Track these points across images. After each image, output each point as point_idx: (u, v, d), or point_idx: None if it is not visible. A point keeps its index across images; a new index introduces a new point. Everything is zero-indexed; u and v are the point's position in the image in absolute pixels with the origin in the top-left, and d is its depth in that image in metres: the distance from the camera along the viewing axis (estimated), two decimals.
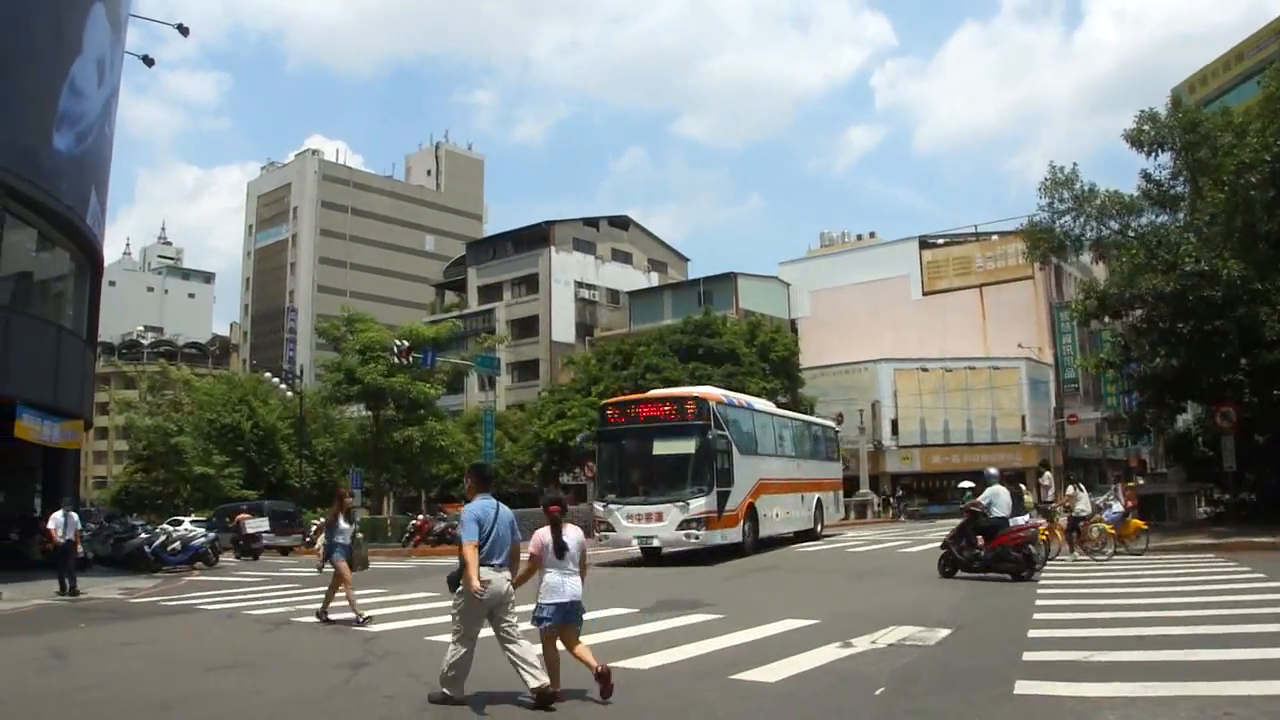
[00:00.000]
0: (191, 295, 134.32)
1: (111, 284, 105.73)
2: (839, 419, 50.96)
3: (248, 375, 71.08)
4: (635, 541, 23.23)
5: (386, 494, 56.96)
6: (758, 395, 47.29)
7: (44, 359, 24.66)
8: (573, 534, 8.57)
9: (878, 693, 8.35)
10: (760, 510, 25.04)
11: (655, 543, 23.01)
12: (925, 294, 63.21)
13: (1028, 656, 9.67)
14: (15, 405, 22.72)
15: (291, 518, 41.92)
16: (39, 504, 28.63)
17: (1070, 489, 22.31)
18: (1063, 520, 21.63)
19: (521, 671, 8.08)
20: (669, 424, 23.12)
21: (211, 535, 28.90)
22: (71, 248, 28.08)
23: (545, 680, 8.05)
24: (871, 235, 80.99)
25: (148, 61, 33.16)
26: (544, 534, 8.48)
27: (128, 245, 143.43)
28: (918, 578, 18.02)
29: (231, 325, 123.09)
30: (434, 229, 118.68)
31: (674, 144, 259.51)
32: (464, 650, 8.28)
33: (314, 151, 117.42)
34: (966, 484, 19.51)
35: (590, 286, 73.44)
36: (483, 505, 8.51)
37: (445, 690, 8.28)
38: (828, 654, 10.15)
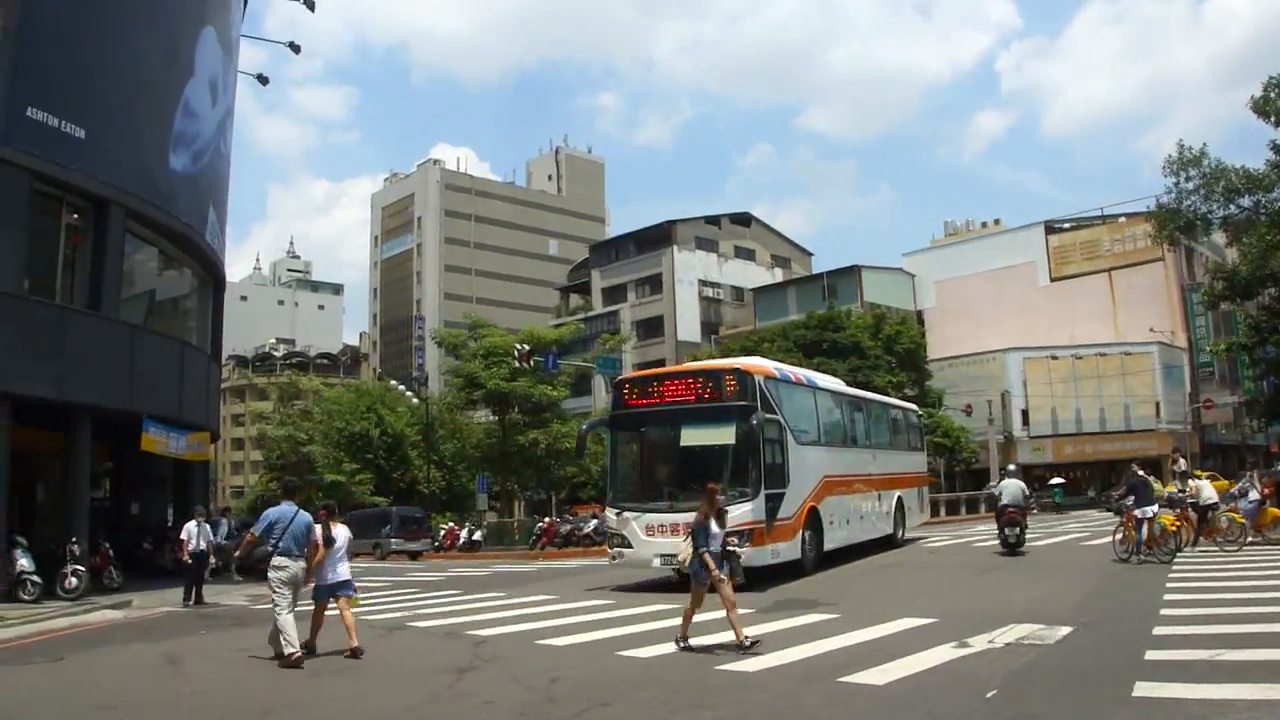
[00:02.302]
0: (321, 307, 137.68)
1: (243, 299, 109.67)
2: (968, 410, 50.00)
3: (375, 383, 72.51)
4: (658, 561, 17.41)
5: (517, 497, 57.56)
6: (884, 390, 46.52)
7: (169, 374, 25.32)
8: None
9: (989, 695, 8.06)
10: (825, 516, 20.16)
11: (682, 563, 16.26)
12: (1052, 280, 61.44)
13: (1151, 655, 9.25)
14: (142, 419, 23.37)
15: (420, 523, 42.65)
16: (171, 514, 29.55)
17: (1192, 481, 21.35)
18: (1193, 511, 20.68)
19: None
20: (701, 406, 18.15)
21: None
22: (193, 265, 28.89)
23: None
24: (996, 223, 79.13)
25: (262, 80, 34.17)
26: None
27: (257, 261, 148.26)
28: (1045, 572, 17.60)
29: (361, 335, 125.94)
30: (557, 233, 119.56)
31: (800, 138, 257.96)
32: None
33: (435, 161, 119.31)
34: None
35: (714, 285, 73.17)
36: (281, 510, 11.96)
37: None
38: (942, 654, 9.91)
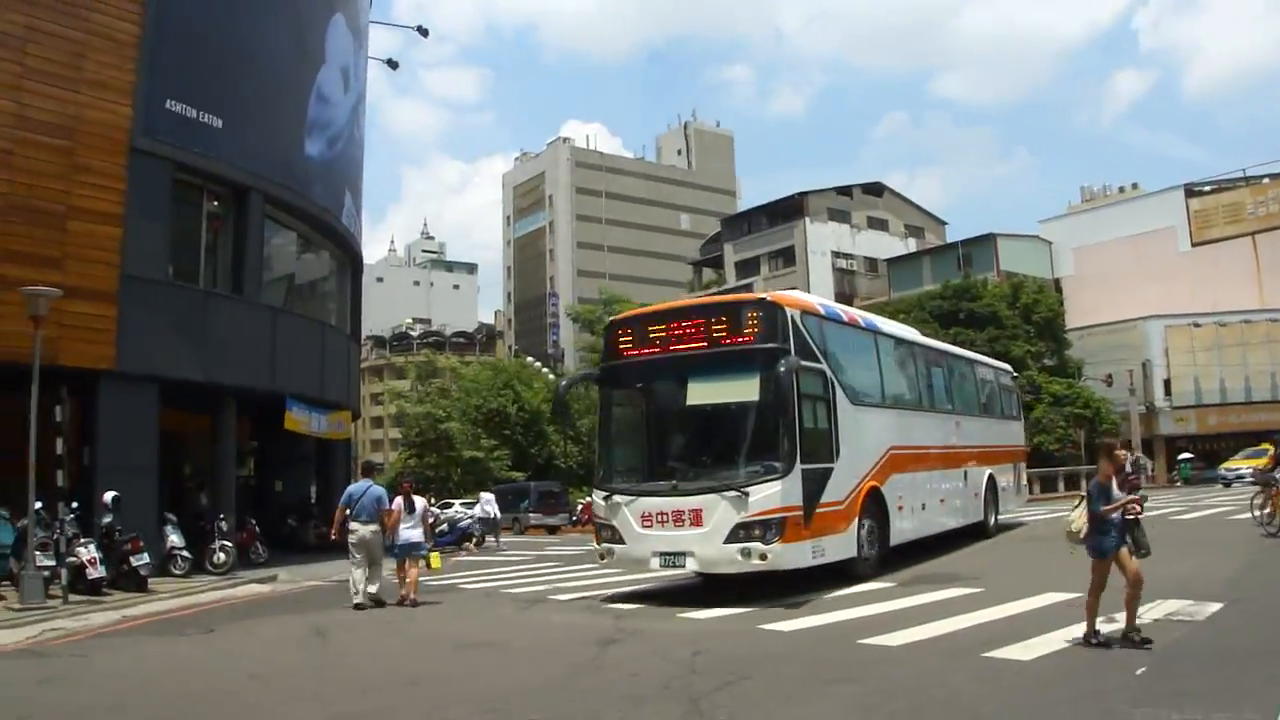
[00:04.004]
0: (456, 286, 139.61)
1: (379, 280, 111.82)
2: (1108, 380, 48.45)
3: (511, 360, 73.29)
4: (656, 562, 13.31)
5: None
6: (1021, 359, 45.74)
7: (310, 355, 26.00)
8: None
9: (1138, 672, 7.78)
10: (891, 499, 15.62)
11: (689, 565, 13.14)
12: (1194, 245, 58.42)
13: None
14: (285, 399, 24.08)
15: (558, 497, 43.19)
16: (314, 492, 30.42)
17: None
18: None
19: None
20: (714, 351, 13.51)
21: (479, 516, 29.94)
22: (331, 247, 29.62)
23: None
24: (1134, 187, 76.27)
25: (392, 65, 34.71)
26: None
27: (393, 242, 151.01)
28: (1190, 547, 16.75)
29: (496, 313, 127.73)
30: (688, 207, 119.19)
31: (934, 105, 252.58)
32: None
33: (565, 139, 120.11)
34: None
35: (847, 256, 72.08)
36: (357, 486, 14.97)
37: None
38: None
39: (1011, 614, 10.92)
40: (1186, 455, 46.67)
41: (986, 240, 61.42)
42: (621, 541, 13.65)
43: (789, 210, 72.20)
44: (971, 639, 9.53)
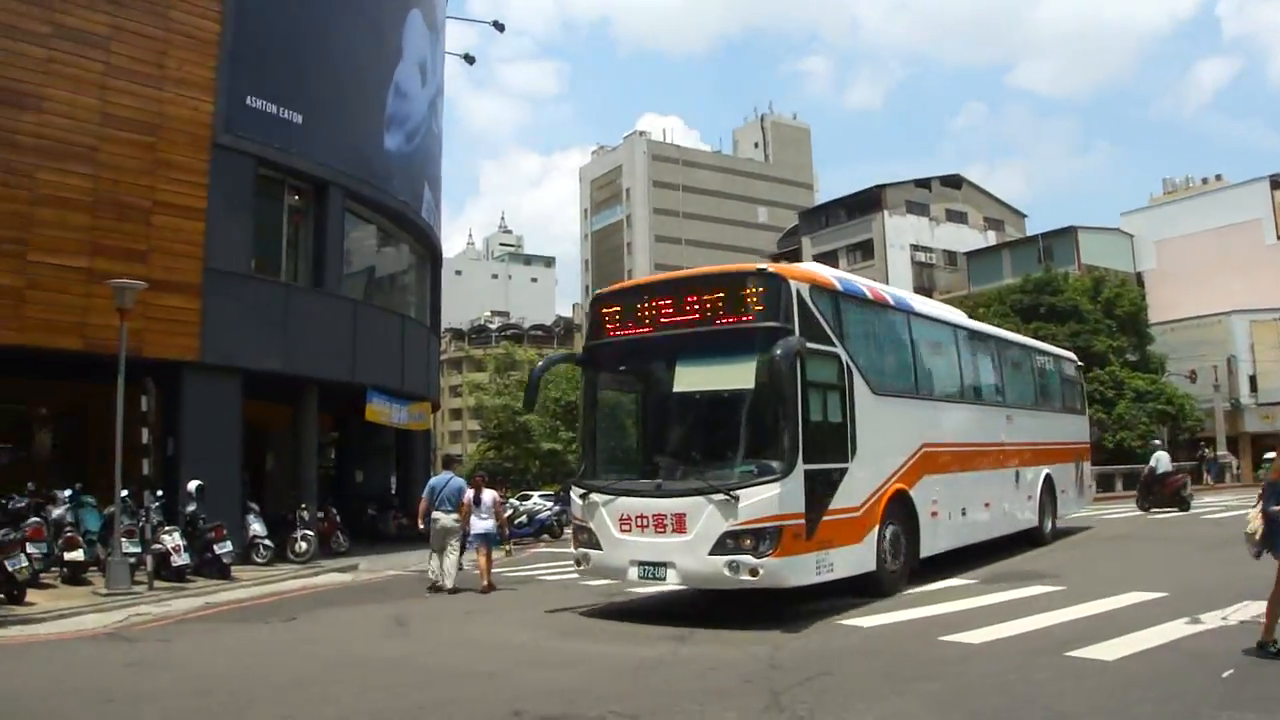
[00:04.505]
0: (534, 280, 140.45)
1: (458, 273, 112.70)
2: (1192, 376, 47.34)
3: None
4: (635, 572, 11.54)
5: None
6: (1104, 354, 44.82)
7: (390, 347, 26.21)
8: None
9: (1225, 675, 7.60)
10: (923, 504, 13.71)
11: (669, 578, 11.30)
12: None
13: None
14: (366, 390, 24.33)
15: None
16: (394, 482, 30.76)
17: None
18: None
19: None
20: (706, 330, 11.73)
21: (557, 509, 30.11)
22: (410, 241, 29.88)
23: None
24: (1218, 178, 74.19)
25: (469, 60, 35.09)
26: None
27: (470, 235, 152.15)
28: None
29: (574, 306, 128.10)
30: (765, 200, 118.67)
31: (1013, 96, 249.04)
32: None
33: (642, 133, 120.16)
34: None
35: (926, 249, 71.19)
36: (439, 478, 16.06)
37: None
38: (1174, 630, 9.42)
39: (1094, 613, 10.75)
40: (1272, 454, 45.30)
41: (1067, 233, 60.19)
42: (598, 547, 11.94)
43: (867, 203, 71.52)
44: (1053, 637, 9.41)
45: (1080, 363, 24.49)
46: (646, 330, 12.28)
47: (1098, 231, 61.60)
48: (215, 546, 17.55)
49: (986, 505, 16.26)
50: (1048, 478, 19.03)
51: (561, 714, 7.38)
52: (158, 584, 15.99)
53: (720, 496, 10.78)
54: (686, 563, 11.02)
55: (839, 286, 12.90)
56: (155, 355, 18.89)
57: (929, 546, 13.89)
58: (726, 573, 10.71)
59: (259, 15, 21.67)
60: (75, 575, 16.31)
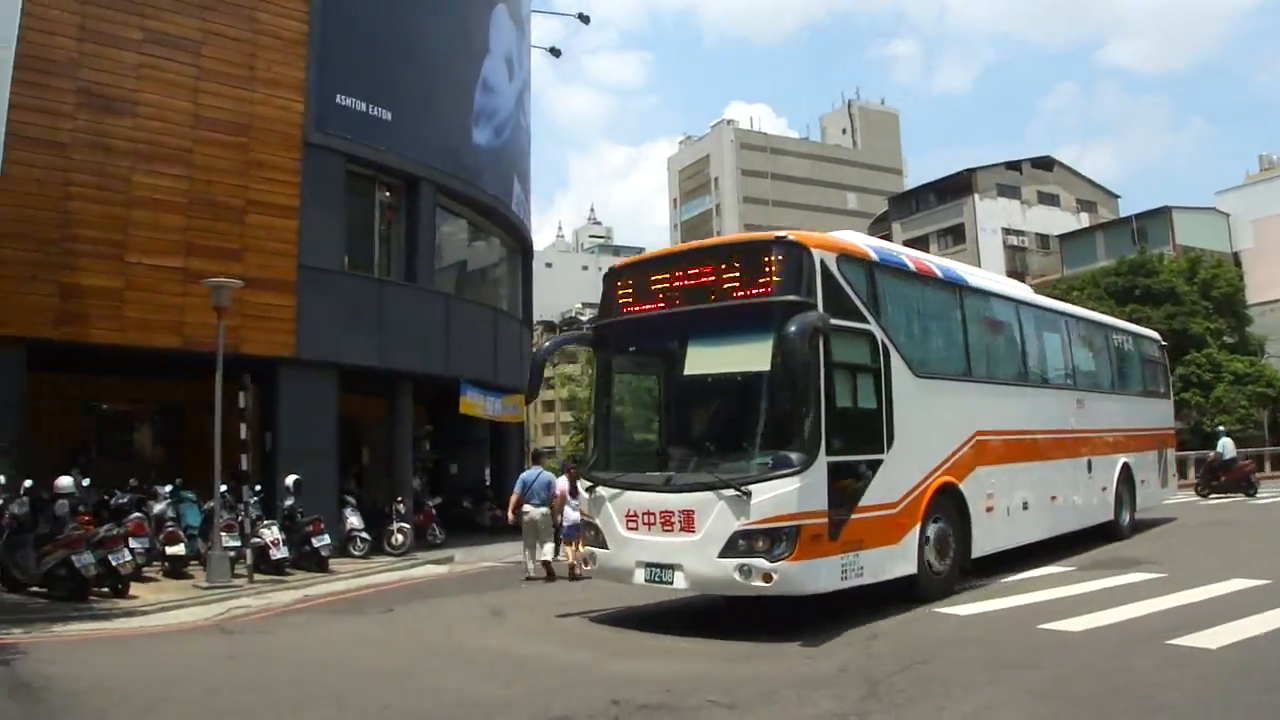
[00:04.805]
0: None
1: (548, 265, 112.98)
2: None
3: None
4: (641, 574, 10.43)
5: None
6: (1201, 336, 43.35)
7: (483, 340, 26.39)
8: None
9: None
10: (974, 498, 12.36)
11: (677, 581, 10.16)
12: None
13: None
14: (460, 383, 24.50)
15: None
16: (489, 474, 30.95)
17: None
18: None
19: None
20: (719, 308, 10.51)
21: None
22: (501, 234, 30.02)
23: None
24: None
25: (555, 53, 34.95)
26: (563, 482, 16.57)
27: (560, 228, 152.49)
28: None
29: None
30: (854, 187, 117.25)
31: (1104, 74, 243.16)
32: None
33: (729, 121, 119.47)
34: None
35: (1018, 232, 69.81)
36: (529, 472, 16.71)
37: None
38: (1277, 619, 9.10)
39: (1196, 600, 10.52)
40: None
41: (1161, 214, 58.43)
42: (604, 546, 10.92)
43: (957, 187, 70.42)
44: (1155, 625, 9.26)
45: (1164, 342, 22.40)
46: (658, 306, 11.11)
47: (1193, 211, 59.73)
48: (313, 540, 17.81)
49: (1053, 499, 14.91)
50: (1125, 467, 17.57)
51: (660, 703, 7.28)
52: (257, 577, 16.29)
53: (731, 492, 9.65)
54: (695, 565, 9.97)
55: (874, 256, 11.60)
56: (252, 352, 19.21)
57: (983, 545, 12.63)
58: (737, 577, 9.61)
59: (345, 14, 21.91)
60: (176, 569, 16.72)
